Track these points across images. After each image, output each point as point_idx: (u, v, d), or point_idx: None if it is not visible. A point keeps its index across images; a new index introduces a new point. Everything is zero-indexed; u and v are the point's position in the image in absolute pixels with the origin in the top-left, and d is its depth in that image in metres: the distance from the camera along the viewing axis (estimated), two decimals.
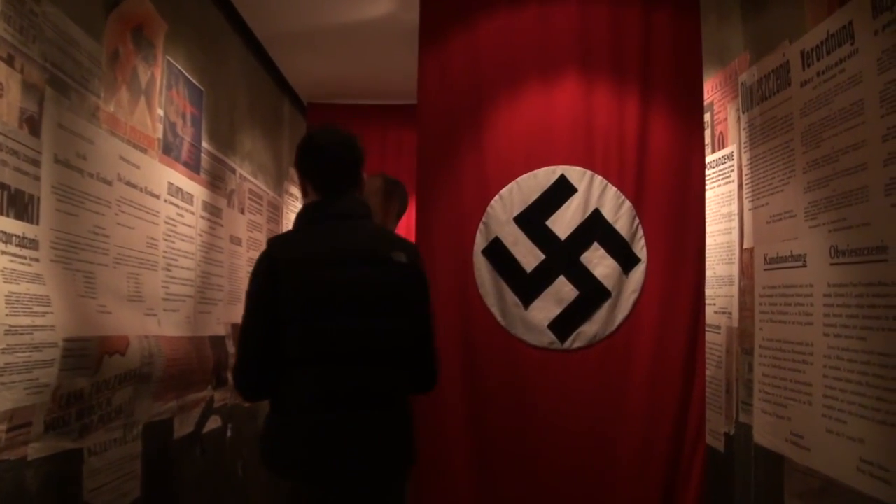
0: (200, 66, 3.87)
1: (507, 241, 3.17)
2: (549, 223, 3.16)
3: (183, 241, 3.62)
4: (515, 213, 3.17)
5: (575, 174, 3.17)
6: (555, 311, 3.13)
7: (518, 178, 3.19)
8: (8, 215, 2.19)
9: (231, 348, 4.28)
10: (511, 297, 3.15)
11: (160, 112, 3.33)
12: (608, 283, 3.13)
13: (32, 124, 2.32)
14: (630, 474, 3.07)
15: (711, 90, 3.62)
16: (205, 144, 3.94)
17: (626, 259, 3.14)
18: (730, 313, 3.43)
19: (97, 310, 2.73)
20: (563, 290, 3.14)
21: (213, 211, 4.08)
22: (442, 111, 3.26)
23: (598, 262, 3.14)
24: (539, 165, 3.19)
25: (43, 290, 2.35)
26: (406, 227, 6.19)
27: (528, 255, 3.16)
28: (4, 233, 2.17)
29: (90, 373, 2.59)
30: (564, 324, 3.13)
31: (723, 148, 3.55)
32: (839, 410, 2.51)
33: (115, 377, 2.79)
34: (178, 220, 3.56)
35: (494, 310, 3.15)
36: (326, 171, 2.68)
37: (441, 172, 3.23)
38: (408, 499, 2.74)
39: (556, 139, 3.19)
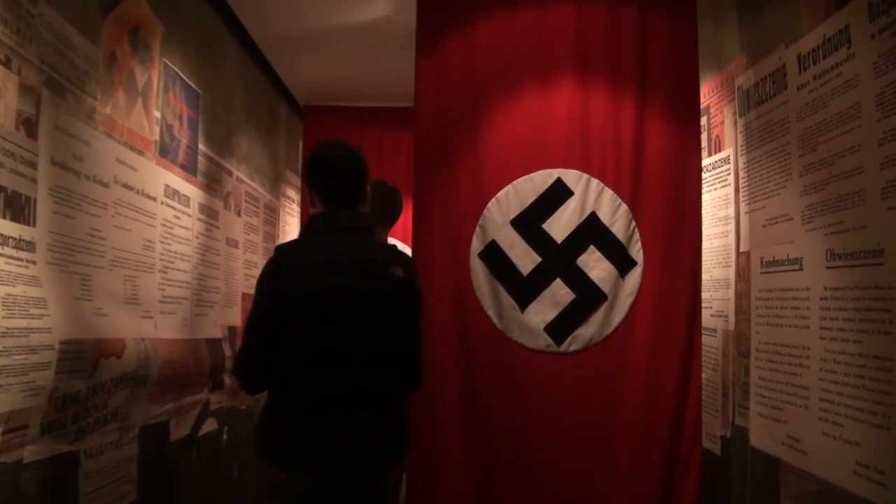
0: (197, 68, 3.87)
1: (504, 244, 3.17)
2: (545, 226, 3.16)
3: (179, 243, 3.61)
4: (512, 217, 3.17)
5: (571, 177, 3.17)
6: (551, 314, 3.13)
7: (514, 182, 3.19)
8: (5, 217, 2.19)
9: (227, 351, 4.28)
10: (507, 300, 3.15)
11: (157, 114, 3.33)
12: (604, 287, 3.13)
13: (29, 126, 2.32)
14: (626, 477, 3.07)
15: (708, 94, 3.62)
16: (201, 147, 3.94)
17: (622, 262, 3.14)
18: (726, 316, 3.43)
19: (93, 312, 2.73)
20: (559, 293, 3.14)
21: (209, 213, 4.08)
22: (439, 114, 3.26)
23: (595, 265, 3.15)
24: (535, 168, 3.19)
25: (39, 293, 2.34)
26: (403, 229, 6.21)
27: (525, 258, 3.16)
28: (1, 235, 2.17)
29: (86, 375, 2.59)
30: (561, 327, 3.13)
31: (719, 151, 3.55)
32: (835, 414, 2.51)
33: (112, 380, 2.79)
34: (175, 222, 3.55)
35: (491, 313, 3.15)
36: (332, 185, 2.83)
37: (437, 175, 3.23)
38: (402, 495, 2.95)
39: (552, 142, 3.19)
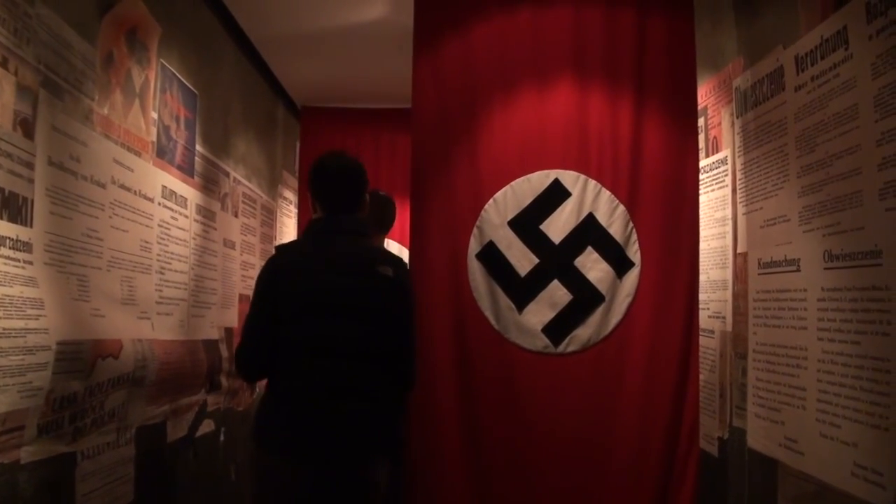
0: (194, 69, 3.87)
1: (501, 246, 3.16)
2: (543, 227, 3.16)
3: (177, 244, 3.61)
4: (509, 218, 3.17)
5: (569, 178, 3.17)
6: (549, 315, 3.13)
7: (512, 183, 3.19)
8: (1, 218, 2.19)
9: (224, 352, 4.28)
10: (505, 301, 3.15)
11: (154, 115, 3.32)
12: (602, 288, 3.13)
13: (26, 127, 2.32)
14: (623, 479, 3.07)
15: (705, 95, 3.62)
16: (199, 148, 3.94)
17: (619, 263, 3.14)
18: (724, 317, 3.43)
19: (91, 313, 2.72)
20: (556, 295, 3.14)
21: (206, 214, 4.08)
22: (436, 115, 3.26)
23: (592, 266, 3.14)
24: (533, 169, 3.19)
25: (36, 293, 2.34)
26: (400, 231, 6.20)
27: (522, 260, 3.16)
28: None
29: (83, 376, 2.59)
30: (558, 328, 3.13)
31: (717, 152, 3.55)
32: (833, 415, 2.51)
33: (109, 381, 2.78)
34: (172, 223, 3.55)
35: (488, 314, 3.15)
36: (331, 193, 3.03)
37: (435, 176, 3.23)
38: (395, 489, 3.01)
39: (549, 143, 3.19)
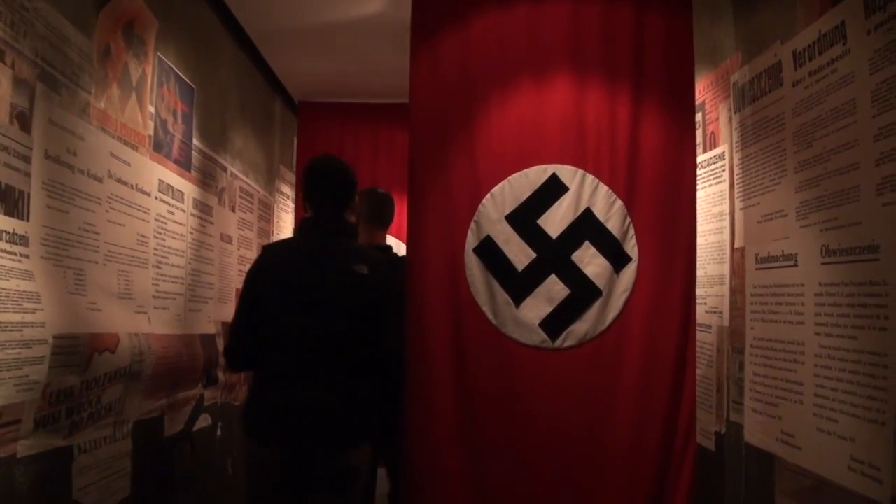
0: (192, 63, 3.86)
1: (499, 240, 3.16)
2: (540, 222, 3.16)
3: (173, 238, 3.61)
4: (507, 212, 3.16)
5: (566, 173, 3.16)
6: (546, 309, 3.13)
7: (509, 177, 3.18)
8: None
9: (221, 346, 4.27)
10: (502, 296, 3.15)
11: (151, 109, 3.32)
12: (599, 282, 3.13)
13: (23, 120, 2.32)
14: (620, 473, 3.07)
15: (703, 90, 3.62)
16: (196, 142, 3.93)
17: (617, 258, 3.14)
18: (721, 312, 3.44)
19: (87, 307, 2.72)
20: (554, 289, 3.14)
21: (203, 209, 4.08)
22: (433, 110, 3.25)
23: (590, 260, 3.14)
24: (530, 164, 3.18)
25: (33, 287, 2.34)
26: (397, 225, 6.20)
27: (520, 254, 3.15)
28: None
29: (80, 370, 2.59)
30: (555, 322, 3.12)
31: (714, 148, 3.55)
32: (830, 409, 2.52)
33: (105, 375, 2.78)
34: (169, 217, 3.55)
35: (486, 308, 3.15)
36: (318, 194, 3.23)
37: (432, 171, 3.23)
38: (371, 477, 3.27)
39: (547, 138, 3.18)
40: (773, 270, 2.93)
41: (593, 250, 3.13)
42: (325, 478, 2.98)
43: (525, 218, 3.15)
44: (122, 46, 3.04)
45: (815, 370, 2.62)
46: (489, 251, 3.16)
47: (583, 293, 3.12)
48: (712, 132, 3.58)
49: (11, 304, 2.21)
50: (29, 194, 2.35)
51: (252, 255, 5.06)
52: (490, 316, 3.14)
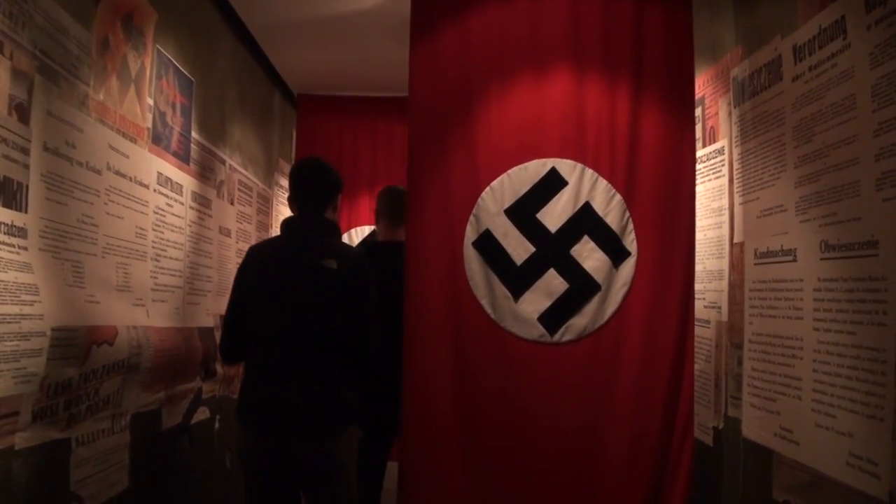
0: (191, 55, 3.85)
1: (498, 234, 3.16)
2: (539, 216, 3.15)
3: (172, 231, 3.61)
4: (506, 206, 3.16)
5: (566, 167, 3.16)
6: (545, 303, 3.13)
7: (509, 171, 3.18)
8: None
9: (219, 340, 4.28)
10: (501, 290, 3.14)
11: (150, 101, 3.31)
12: (598, 277, 3.12)
13: (21, 112, 2.31)
14: (618, 467, 3.07)
15: (703, 85, 3.62)
16: (194, 135, 3.93)
17: (616, 252, 3.13)
18: (719, 307, 3.44)
19: (85, 299, 2.72)
20: (553, 283, 3.13)
21: (202, 201, 4.07)
22: (433, 103, 3.24)
23: (589, 255, 3.14)
24: (530, 158, 3.18)
25: (31, 279, 2.33)
26: None
27: (519, 248, 3.15)
28: None
29: (78, 362, 2.58)
30: (554, 317, 3.12)
31: (714, 142, 3.55)
32: (828, 405, 2.52)
33: (103, 367, 2.78)
34: (168, 210, 3.54)
35: (484, 302, 3.14)
36: (299, 194, 3.43)
37: (432, 165, 3.22)
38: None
39: (546, 132, 3.18)
40: (772, 265, 2.93)
41: (592, 244, 3.13)
42: (308, 466, 3.15)
43: (524, 212, 3.15)
44: (121, 38, 3.03)
45: (813, 365, 2.62)
46: (488, 245, 3.15)
47: (581, 287, 3.12)
48: (712, 127, 3.58)
49: (9, 296, 2.21)
50: (27, 186, 2.35)
51: None
52: (489, 310, 3.13)
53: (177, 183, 3.65)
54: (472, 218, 3.17)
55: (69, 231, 2.62)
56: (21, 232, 2.31)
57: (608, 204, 3.14)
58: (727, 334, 3.36)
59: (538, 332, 3.11)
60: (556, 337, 3.11)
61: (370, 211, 6.20)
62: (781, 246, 2.85)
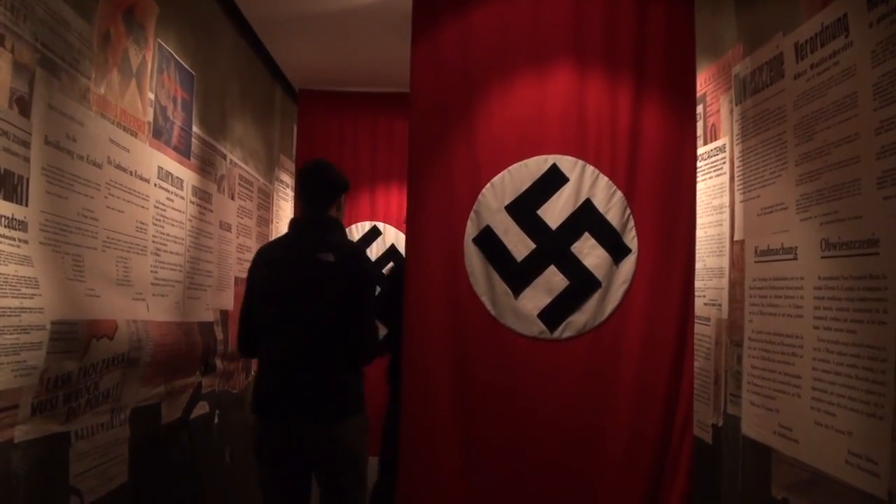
0: (192, 50, 3.85)
1: (498, 230, 3.15)
2: (540, 212, 3.15)
3: (172, 225, 3.61)
4: (507, 202, 3.16)
5: (567, 164, 3.16)
6: (545, 300, 3.13)
7: (510, 167, 3.17)
8: None
9: (220, 334, 4.28)
10: (501, 286, 3.14)
11: (151, 95, 3.31)
12: (598, 274, 3.12)
13: (22, 105, 2.31)
14: (617, 464, 3.07)
15: (704, 82, 3.62)
16: (195, 129, 3.93)
17: (616, 249, 3.13)
18: (719, 305, 3.44)
19: (85, 293, 2.72)
20: (553, 280, 3.13)
21: (202, 196, 4.07)
22: (434, 99, 3.24)
23: (589, 252, 3.13)
24: (531, 154, 3.18)
25: (31, 272, 2.33)
26: (397, 216, 6.19)
27: (519, 245, 3.15)
28: None
29: (78, 356, 2.58)
30: (554, 313, 3.12)
31: (715, 140, 3.55)
32: (828, 403, 2.52)
33: (103, 361, 2.78)
34: (168, 204, 3.54)
35: (484, 298, 3.14)
36: (304, 193, 3.69)
37: (432, 161, 3.22)
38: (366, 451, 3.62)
39: (547, 128, 3.18)
40: (772, 263, 2.93)
41: (593, 241, 3.13)
42: (315, 452, 3.39)
43: (525, 208, 3.15)
44: (123, 32, 3.03)
45: (813, 363, 2.62)
46: (488, 241, 3.15)
47: (582, 284, 3.12)
48: (713, 124, 3.57)
49: (10, 289, 2.21)
50: (28, 179, 2.35)
51: (251, 243, 5.07)
52: (489, 306, 3.13)
53: (177, 177, 3.65)
54: (472, 214, 3.17)
55: (69, 225, 2.62)
56: (21, 225, 2.31)
57: (609, 201, 3.13)
58: (727, 332, 3.36)
59: (538, 328, 3.11)
60: (557, 334, 3.11)
61: (370, 206, 6.21)
62: (782, 244, 2.85)
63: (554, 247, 3.13)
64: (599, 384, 3.09)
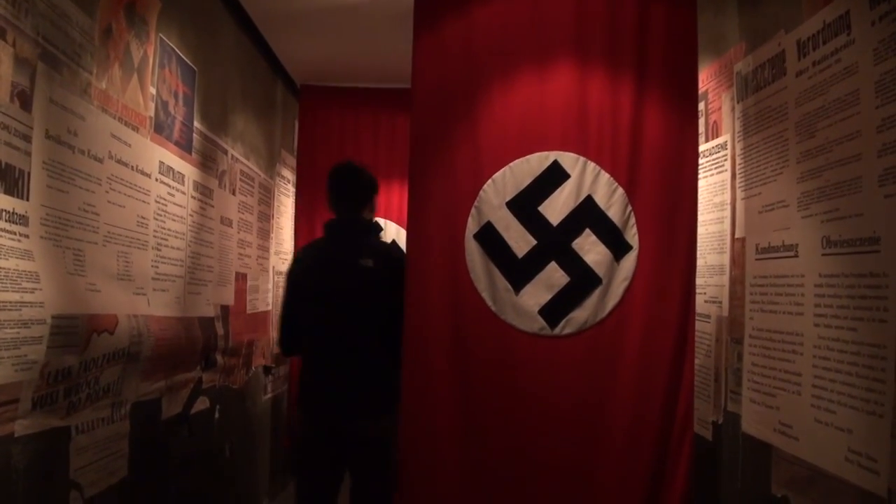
0: (193, 45, 3.85)
1: (499, 226, 3.15)
2: (541, 209, 3.15)
3: (173, 220, 3.61)
4: (508, 199, 3.16)
5: (568, 160, 3.16)
6: (545, 296, 3.13)
7: (511, 163, 3.17)
8: None
9: (220, 330, 4.28)
10: (502, 283, 3.14)
11: (152, 90, 3.31)
12: (599, 270, 3.12)
13: (24, 99, 2.31)
14: (618, 462, 3.07)
15: (706, 79, 3.61)
16: (197, 124, 3.93)
17: (617, 246, 3.13)
18: (720, 302, 3.44)
19: (86, 287, 2.72)
20: (554, 276, 3.13)
21: (203, 191, 4.07)
22: (436, 95, 3.24)
23: (590, 248, 3.13)
24: (532, 151, 3.18)
25: (32, 267, 2.33)
26: (398, 211, 6.18)
27: (520, 241, 3.15)
28: None
29: (78, 351, 2.58)
30: (555, 310, 3.12)
31: (716, 137, 3.55)
32: (828, 400, 2.52)
33: (104, 356, 2.78)
34: (169, 199, 3.54)
35: (485, 295, 3.14)
36: (336, 197, 3.84)
37: (434, 157, 3.22)
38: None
39: (549, 125, 3.17)
40: (773, 261, 2.93)
41: (594, 238, 3.13)
42: (359, 441, 3.66)
43: (526, 204, 3.15)
44: (124, 26, 3.03)
45: (813, 361, 2.62)
46: (489, 237, 3.15)
47: (582, 281, 3.12)
48: (715, 121, 3.57)
49: (10, 283, 2.21)
50: (29, 174, 2.35)
51: (252, 238, 5.07)
52: (489, 302, 3.13)
53: (178, 172, 3.65)
54: (473, 210, 3.17)
55: (70, 219, 2.62)
56: (22, 219, 2.31)
57: (610, 197, 3.13)
58: (727, 329, 3.36)
59: (539, 324, 3.11)
60: (557, 330, 3.11)
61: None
62: (783, 241, 2.85)
63: (555, 243, 3.13)
64: (599, 381, 3.09)
